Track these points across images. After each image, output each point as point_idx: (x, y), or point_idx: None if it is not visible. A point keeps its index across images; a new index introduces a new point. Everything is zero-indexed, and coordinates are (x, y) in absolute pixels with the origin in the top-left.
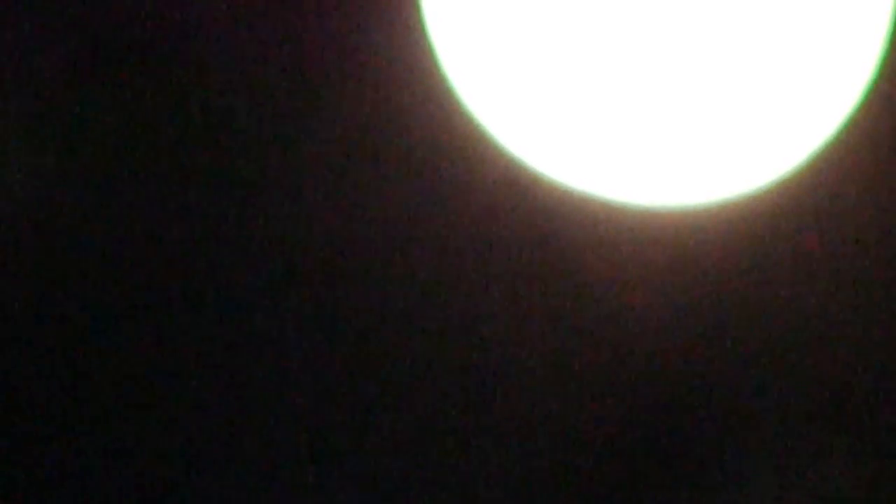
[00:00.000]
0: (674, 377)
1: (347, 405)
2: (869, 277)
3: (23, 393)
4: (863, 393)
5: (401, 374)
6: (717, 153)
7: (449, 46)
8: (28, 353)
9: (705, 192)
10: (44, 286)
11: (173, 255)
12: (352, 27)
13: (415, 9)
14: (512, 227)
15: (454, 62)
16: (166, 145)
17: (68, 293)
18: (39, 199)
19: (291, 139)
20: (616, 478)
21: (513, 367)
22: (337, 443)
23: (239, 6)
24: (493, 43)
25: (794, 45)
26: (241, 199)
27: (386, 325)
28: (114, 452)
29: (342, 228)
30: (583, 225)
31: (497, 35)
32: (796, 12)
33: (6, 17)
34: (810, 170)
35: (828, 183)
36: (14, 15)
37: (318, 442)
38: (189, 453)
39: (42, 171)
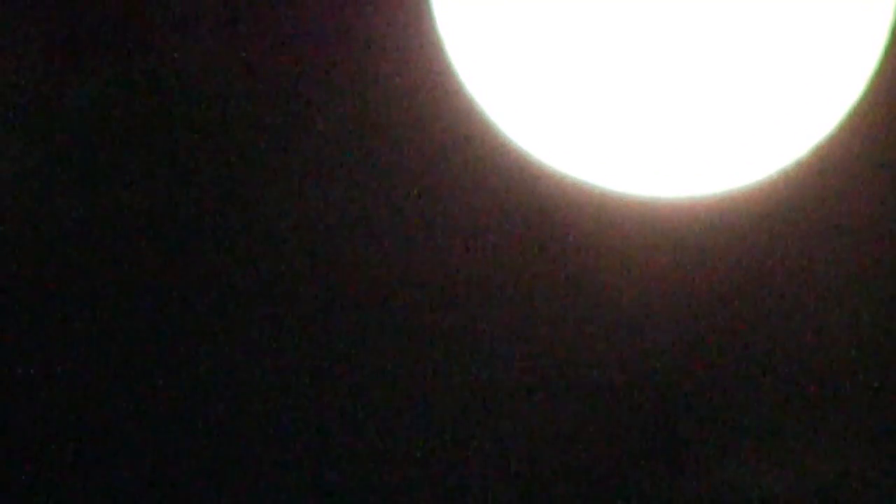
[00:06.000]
0: (674, 368)
1: (348, 404)
2: (867, 270)
3: (19, 390)
4: (862, 386)
5: (405, 370)
6: (718, 146)
7: (458, 41)
8: (16, 349)
9: (706, 184)
10: (27, 280)
11: (168, 255)
12: (361, 23)
13: (424, 4)
14: (519, 218)
15: (463, 56)
16: (167, 144)
17: (51, 289)
18: (23, 193)
19: (298, 137)
20: (614, 469)
21: (520, 359)
22: (337, 442)
23: (247, 1)
24: (500, 37)
25: (796, 38)
26: (245, 198)
27: (392, 320)
28: (109, 452)
29: (348, 224)
30: (589, 216)
31: (504, 30)
32: (797, 7)
33: None
34: (811, 163)
35: (828, 176)
36: None
37: (317, 442)
38: (186, 453)
39: (23, 165)
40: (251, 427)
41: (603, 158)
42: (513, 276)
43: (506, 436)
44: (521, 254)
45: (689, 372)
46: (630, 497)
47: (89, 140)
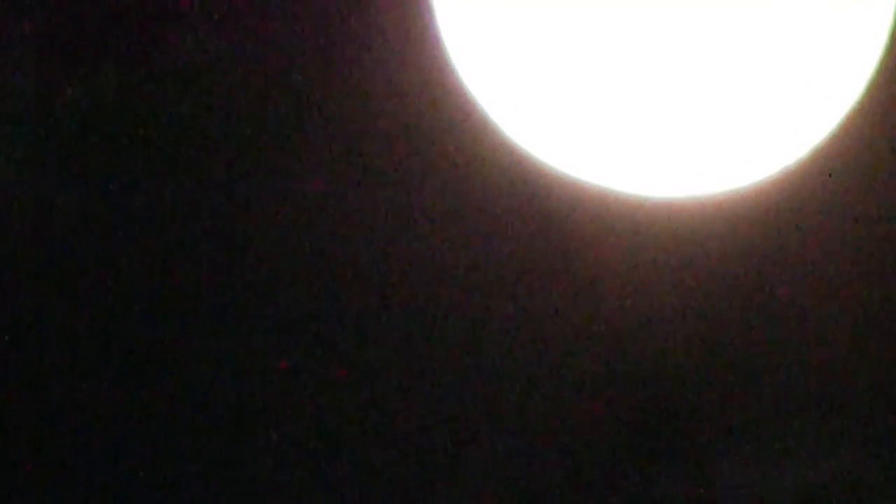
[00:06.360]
0: (674, 367)
1: (347, 403)
2: (867, 270)
3: (20, 390)
4: (862, 386)
5: (404, 370)
6: (718, 146)
7: (458, 40)
8: (16, 349)
9: (706, 184)
10: (27, 280)
11: (169, 255)
12: (362, 23)
13: (425, 4)
14: (520, 218)
15: (463, 56)
16: (167, 144)
17: (51, 288)
18: (23, 193)
19: (298, 136)
20: (613, 469)
21: (518, 358)
22: (336, 442)
23: (247, 1)
24: (500, 37)
25: (796, 39)
26: (245, 197)
27: (392, 319)
28: (109, 452)
29: (348, 223)
30: (589, 215)
31: (505, 30)
32: (798, 7)
33: None
34: (811, 163)
35: (827, 177)
36: None
37: (316, 441)
38: (186, 454)
39: (23, 165)
40: (251, 427)
41: (603, 158)
42: (512, 276)
43: (505, 435)
44: (521, 253)
45: (689, 372)
46: (629, 497)
47: (89, 140)
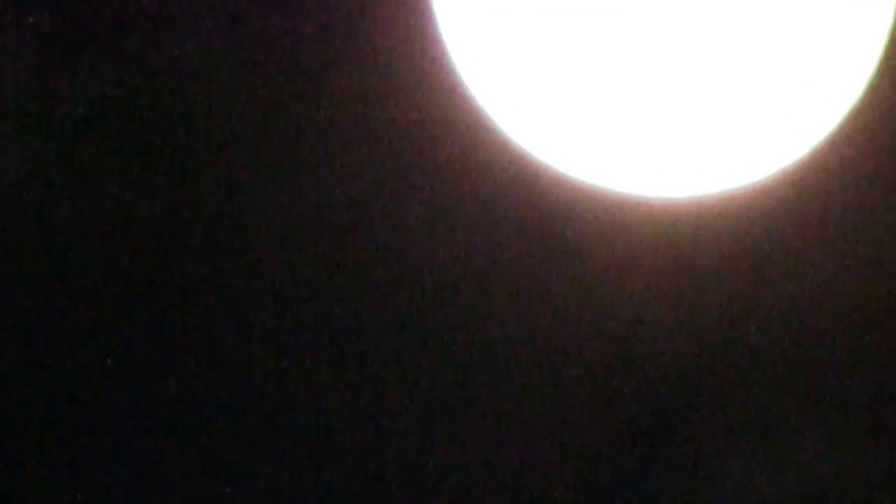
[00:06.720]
0: (674, 367)
1: (345, 403)
2: (867, 270)
3: (20, 391)
4: (862, 386)
5: (403, 371)
6: (718, 146)
7: (459, 40)
8: (16, 350)
9: (706, 184)
10: (26, 281)
11: (169, 255)
12: (362, 23)
13: (425, 4)
14: (519, 219)
15: (464, 56)
16: (167, 144)
17: (50, 289)
18: (22, 193)
19: (297, 137)
20: (612, 469)
21: (517, 359)
22: (334, 440)
23: (247, 1)
24: (501, 37)
25: (796, 39)
26: (245, 198)
27: (391, 321)
28: (109, 452)
29: (347, 224)
30: (589, 216)
31: (505, 30)
32: (798, 7)
33: None
34: (811, 163)
35: (828, 176)
36: None
37: (314, 439)
38: (187, 454)
39: (22, 165)
40: (250, 430)
41: (603, 158)
42: (512, 276)
43: (503, 436)
44: (521, 253)
45: (688, 372)
46: (629, 497)
47: (89, 140)
